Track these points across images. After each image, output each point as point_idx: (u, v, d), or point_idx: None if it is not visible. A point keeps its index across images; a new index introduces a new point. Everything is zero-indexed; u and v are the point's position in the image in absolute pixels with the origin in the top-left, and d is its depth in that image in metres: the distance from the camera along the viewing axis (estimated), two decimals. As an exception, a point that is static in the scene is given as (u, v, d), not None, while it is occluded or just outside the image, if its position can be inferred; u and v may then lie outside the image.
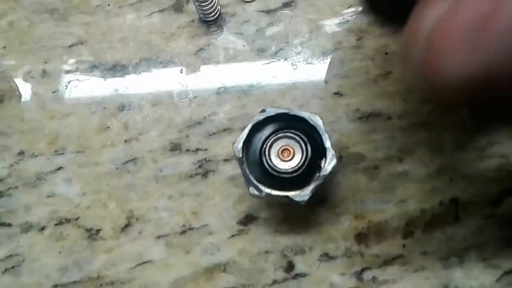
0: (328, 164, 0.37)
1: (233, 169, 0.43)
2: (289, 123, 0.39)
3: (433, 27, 0.22)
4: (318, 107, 0.44)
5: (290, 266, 0.42)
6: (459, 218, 0.42)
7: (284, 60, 0.45)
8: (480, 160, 0.43)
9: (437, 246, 0.41)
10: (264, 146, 0.38)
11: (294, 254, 0.42)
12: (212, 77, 0.45)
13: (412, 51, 0.24)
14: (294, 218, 0.42)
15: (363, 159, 0.43)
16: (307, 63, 0.45)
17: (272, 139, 0.38)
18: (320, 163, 0.38)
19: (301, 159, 0.38)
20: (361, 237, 0.42)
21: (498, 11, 0.20)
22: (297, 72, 0.45)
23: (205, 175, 0.44)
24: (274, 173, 0.38)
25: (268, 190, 0.38)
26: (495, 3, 0.20)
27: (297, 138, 0.38)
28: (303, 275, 0.42)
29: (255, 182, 0.38)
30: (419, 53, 0.23)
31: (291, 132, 0.38)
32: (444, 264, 0.41)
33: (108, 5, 0.47)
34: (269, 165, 0.38)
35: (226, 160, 0.44)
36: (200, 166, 0.44)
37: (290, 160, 0.38)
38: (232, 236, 0.42)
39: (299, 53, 0.45)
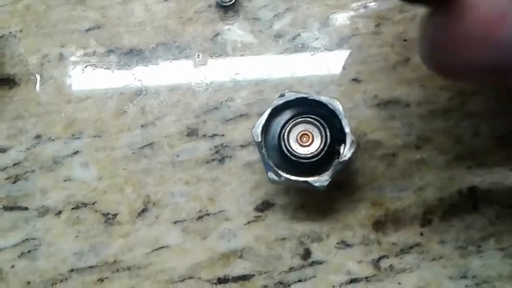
0: (348, 150, 0.37)
1: (250, 155, 0.43)
2: (308, 108, 0.39)
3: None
4: (336, 93, 0.44)
5: (307, 253, 0.42)
6: (477, 206, 0.42)
7: (301, 46, 0.45)
8: (498, 149, 0.42)
9: (455, 234, 0.41)
10: (283, 131, 0.38)
11: (311, 242, 0.42)
12: (229, 62, 0.45)
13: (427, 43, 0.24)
14: (311, 205, 0.42)
15: (381, 146, 0.43)
16: (324, 49, 0.45)
17: (291, 124, 0.38)
18: (339, 149, 0.38)
19: (320, 144, 0.38)
20: (378, 225, 0.42)
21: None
22: (315, 58, 0.45)
23: (221, 160, 0.43)
24: (293, 158, 0.38)
25: (287, 175, 0.37)
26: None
27: (316, 123, 0.38)
28: (320, 262, 0.41)
29: (274, 167, 0.37)
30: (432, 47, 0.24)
31: (310, 117, 0.38)
32: (462, 253, 0.41)
33: (125, -11, 0.47)
34: (288, 150, 0.38)
35: (243, 146, 0.44)
36: (216, 152, 0.44)
37: (309, 145, 0.38)
38: (249, 222, 0.42)
39: (316, 39, 0.45)
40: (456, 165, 0.42)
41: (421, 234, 0.41)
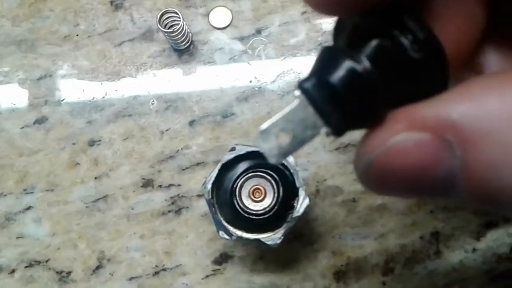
0: (300, 206, 0.36)
1: (207, 205, 0.42)
2: (261, 161, 0.37)
3: None
4: (294, 138, 0.43)
5: (266, 306, 0.41)
6: (440, 252, 0.40)
7: (258, 89, 0.44)
8: (462, 190, 0.41)
9: (418, 282, 0.40)
10: (235, 186, 0.37)
11: (271, 293, 0.41)
12: (185, 107, 0.44)
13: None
14: (270, 256, 0.41)
15: (341, 192, 0.42)
16: (281, 92, 0.44)
17: (243, 179, 0.37)
18: (293, 203, 0.37)
19: (273, 199, 0.36)
20: (339, 275, 0.41)
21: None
22: (273, 103, 0.44)
23: (178, 212, 0.42)
24: (245, 214, 0.36)
25: (239, 233, 0.36)
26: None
27: (269, 177, 0.37)
28: (280, 315, 0.40)
29: (225, 224, 0.36)
30: None
31: (263, 171, 0.37)
32: (426, 301, 0.40)
33: (77, 35, 0.46)
34: (239, 206, 0.36)
35: (199, 196, 0.42)
36: (173, 203, 0.42)
37: (262, 200, 0.37)
38: (207, 276, 0.41)
39: (273, 81, 0.44)
40: (417, 209, 0.41)
41: (384, 283, 0.40)
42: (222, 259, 0.41)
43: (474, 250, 0.40)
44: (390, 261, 0.40)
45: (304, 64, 0.44)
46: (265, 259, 0.41)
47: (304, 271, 0.41)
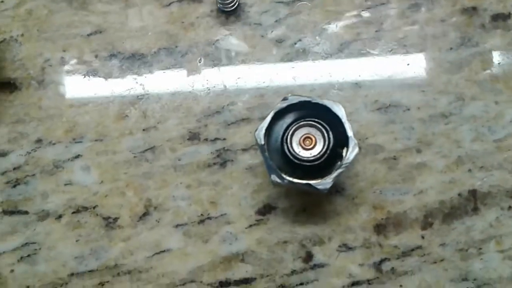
0: (351, 153, 0.37)
1: (251, 158, 0.43)
2: (311, 112, 0.39)
3: None
4: (337, 98, 0.44)
5: (308, 257, 0.42)
6: (477, 209, 0.42)
7: (302, 51, 0.45)
8: (498, 152, 0.43)
9: (456, 237, 0.41)
10: (286, 134, 0.38)
11: (312, 245, 0.42)
12: (231, 67, 0.45)
13: None
14: (313, 208, 0.42)
15: (381, 149, 0.43)
16: (325, 54, 0.45)
17: (294, 127, 0.38)
18: (342, 152, 0.38)
19: (323, 147, 0.38)
20: (380, 228, 0.42)
21: None
22: (315, 63, 0.45)
23: (223, 164, 0.43)
24: (295, 161, 0.38)
25: (290, 178, 0.38)
26: None
27: (319, 126, 0.38)
28: (321, 265, 0.41)
29: (277, 169, 0.38)
30: None
31: (313, 121, 0.38)
32: (463, 255, 0.41)
33: (127, -6, 0.47)
34: (290, 153, 0.38)
35: (244, 150, 0.44)
36: (218, 156, 0.44)
37: (312, 148, 0.38)
38: (250, 225, 0.42)
39: (317, 44, 0.46)
40: (456, 168, 0.42)
41: (422, 237, 0.42)
42: (266, 210, 0.43)
43: (509, 208, 0.42)
44: (429, 216, 0.42)
45: (348, 28, 0.46)
46: (308, 211, 0.42)
47: (345, 224, 0.42)
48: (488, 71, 0.44)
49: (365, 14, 0.46)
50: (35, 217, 0.43)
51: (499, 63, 0.44)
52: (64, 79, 0.46)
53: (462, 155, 0.43)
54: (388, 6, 0.46)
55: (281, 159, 0.39)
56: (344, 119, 0.38)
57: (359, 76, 0.45)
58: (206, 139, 0.44)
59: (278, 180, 0.37)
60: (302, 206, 0.42)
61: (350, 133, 0.37)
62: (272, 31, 0.46)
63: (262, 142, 0.38)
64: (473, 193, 0.42)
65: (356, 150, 0.37)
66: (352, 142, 0.37)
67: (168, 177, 0.43)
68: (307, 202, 0.42)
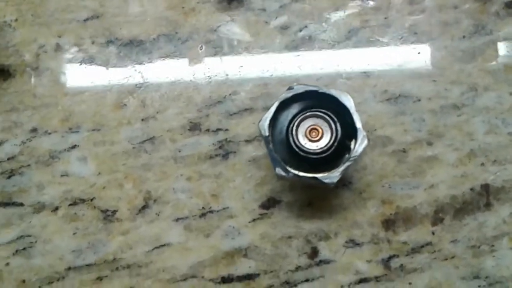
0: (359, 145, 0.36)
1: (255, 150, 0.42)
2: (317, 102, 0.37)
3: None
4: (344, 87, 0.42)
5: (314, 252, 0.40)
6: (490, 204, 0.40)
7: (308, 38, 0.43)
8: (512, 145, 0.41)
9: (467, 233, 0.40)
10: (291, 125, 0.36)
11: (318, 240, 0.40)
12: (233, 55, 0.43)
13: None
14: (319, 203, 0.41)
15: (391, 142, 0.41)
16: (332, 42, 0.43)
17: (300, 118, 0.36)
18: (350, 144, 0.36)
19: (330, 139, 0.36)
20: (388, 223, 0.40)
21: None
22: (322, 50, 0.43)
23: (225, 156, 0.42)
24: (301, 153, 0.36)
25: (295, 171, 0.36)
26: None
27: (326, 117, 0.36)
28: (327, 261, 0.40)
29: (281, 162, 0.36)
30: None
31: (320, 111, 0.36)
32: (475, 252, 0.40)
33: (125, -22, 0.45)
34: (296, 145, 0.36)
35: (247, 141, 0.42)
36: (220, 147, 0.42)
37: (319, 140, 0.36)
38: (254, 220, 0.41)
39: (324, 31, 0.44)
40: (468, 162, 0.41)
41: (433, 233, 0.40)
42: (270, 203, 0.41)
43: (524, 203, 0.40)
44: (440, 211, 0.40)
45: (356, 14, 0.44)
46: (313, 205, 0.41)
47: (352, 219, 0.40)
48: (502, 60, 0.42)
49: (374, 0, 0.44)
50: (31, 209, 0.42)
51: (514, 52, 0.42)
52: (60, 66, 0.44)
53: (475, 148, 0.41)
54: (399, -9, 0.44)
55: (286, 151, 0.37)
56: (352, 109, 0.36)
57: (368, 65, 0.43)
58: (207, 130, 0.42)
59: (283, 173, 0.36)
60: (307, 200, 0.41)
61: (358, 124, 0.36)
62: (276, 18, 0.44)
63: (267, 134, 0.36)
64: (485, 187, 0.40)
65: (365, 142, 0.36)
66: (361, 134, 0.36)
67: (168, 169, 0.42)
68: (313, 196, 0.41)
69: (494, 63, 0.42)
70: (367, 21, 0.44)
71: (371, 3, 0.44)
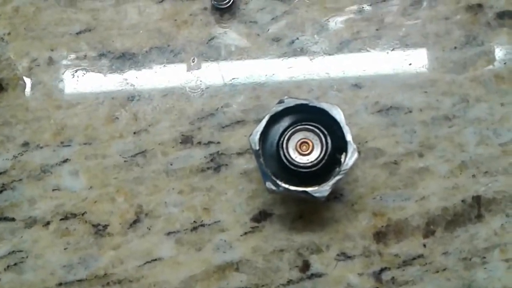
0: (349, 159, 0.36)
1: (246, 163, 0.42)
2: (308, 115, 0.37)
3: None
4: (336, 99, 0.42)
5: (305, 266, 0.40)
6: (481, 216, 0.40)
7: (300, 50, 0.44)
8: (503, 156, 0.41)
9: (459, 245, 0.40)
10: (282, 138, 0.36)
11: (310, 253, 0.40)
12: (225, 67, 0.44)
13: None
14: (310, 215, 0.41)
15: (382, 154, 0.41)
16: (324, 53, 0.43)
17: (290, 132, 0.36)
18: (340, 157, 0.36)
19: (321, 153, 0.36)
20: (380, 236, 0.40)
21: None
22: (314, 62, 0.43)
23: (217, 169, 0.42)
24: (292, 167, 0.36)
25: (285, 185, 0.36)
26: None
27: (317, 130, 0.36)
28: (319, 275, 0.40)
29: (272, 176, 0.36)
30: None
31: (310, 125, 0.36)
32: (466, 264, 0.40)
33: (117, -9, 0.45)
34: (286, 159, 0.36)
35: (239, 154, 0.42)
36: (212, 160, 0.42)
37: (309, 153, 0.36)
38: (245, 233, 0.41)
39: (315, 43, 0.44)
40: (460, 173, 0.41)
41: (424, 245, 0.40)
42: (261, 217, 0.41)
43: (516, 215, 0.40)
44: (431, 223, 0.40)
45: (348, 26, 0.44)
46: (305, 218, 0.41)
47: (344, 231, 0.40)
48: (494, 71, 0.42)
49: (365, 11, 0.44)
50: (22, 224, 0.42)
51: (505, 63, 0.42)
52: (52, 79, 0.44)
53: (466, 159, 0.41)
54: (389, 2, 0.44)
55: (276, 165, 0.37)
56: (342, 123, 0.36)
57: (359, 76, 0.43)
58: (199, 143, 0.42)
59: (273, 188, 0.36)
60: (299, 213, 0.41)
61: (349, 137, 0.36)
62: (268, 29, 0.44)
63: (257, 148, 0.36)
64: (477, 199, 0.40)
65: (356, 155, 0.36)
66: (351, 147, 0.36)
67: (159, 183, 0.42)
68: (304, 209, 0.41)
69: (485, 74, 0.42)
70: (358, 32, 0.44)
71: (364, 13, 0.44)
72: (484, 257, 0.40)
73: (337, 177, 0.35)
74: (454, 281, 0.39)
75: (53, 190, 0.42)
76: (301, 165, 0.36)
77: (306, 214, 0.41)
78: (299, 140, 0.37)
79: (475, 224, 0.40)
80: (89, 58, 0.44)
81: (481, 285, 0.39)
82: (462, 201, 0.40)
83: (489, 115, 0.42)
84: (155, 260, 0.41)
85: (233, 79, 0.43)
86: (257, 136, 0.36)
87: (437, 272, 0.39)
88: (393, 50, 0.43)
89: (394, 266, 0.40)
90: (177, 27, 0.45)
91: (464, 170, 0.41)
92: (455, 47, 0.43)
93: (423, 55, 0.43)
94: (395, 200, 0.41)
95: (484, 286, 0.39)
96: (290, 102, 0.37)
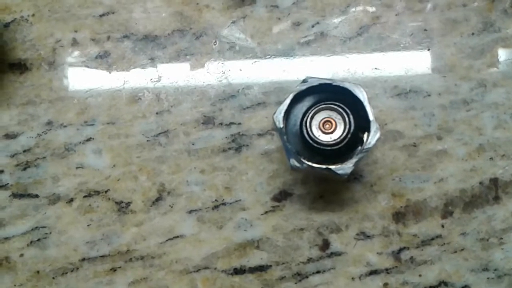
0: (372, 137, 0.36)
1: (267, 143, 0.42)
2: (330, 95, 0.38)
3: None
4: (356, 82, 0.43)
5: (325, 244, 0.41)
6: (499, 198, 0.41)
7: (320, 34, 0.44)
8: (520, 141, 0.42)
9: (476, 226, 0.40)
10: (305, 117, 0.37)
11: (329, 232, 0.41)
12: (246, 49, 0.44)
13: None
14: (330, 195, 0.41)
15: (401, 136, 0.42)
16: (344, 37, 0.44)
17: (314, 111, 0.37)
18: (362, 136, 0.37)
19: (344, 131, 0.37)
20: (399, 216, 0.41)
21: None
22: (334, 46, 0.44)
23: (238, 149, 0.42)
24: (315, 145, 0.37)
25: (309, 163, 0.36)
26: None
27: (340, 109, 0.37)
28: (338, 253, 0.41)
29: (296, 153, 0.37)
30: None
31: (334, 104, 0.37)
32: (484, 245, 0.40)
33: (140, -25, 0.46)
34: (310, 137, 0.37)
35: (260, 135, 0.43)
36: (233, 140, 0.43)
37: (332, 132, 0.37)
38: (266, 212, 0.41)
39: (336, 27, 0.44)
40: (477, 156, 0.41)
41: (442, 226, 0.41)
42: (282, 196, 0.42)
43: (532, 197, 0.41)
44: (449, 204, 0.41)
45: (368, 11, 0.44)
46: (325, 198, 0.41)
47: (363, 211, 0.41)
48: (511, 57, 0.43)
49: (386, -3, 0.45)
50: (46, 201, 0.42)
51: (522, 49, 0.43)
52: (75, 60, 0.45)
53: (484, 142, 0.42)
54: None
55: (299, 143, 0.37)
56: (365, 102, 0.37)
57: (378, 60, 0.43)
58: (220, 124, 0.43)
59: (297, 164, 0.36)
60: (319, 192, 0.41)
61: (371, 117, 0.36)
62: (289, 14, 0.45)
63: (281, 125, 0.37)
64: (494, 181, 0.41)
65: (378, 134, 0.36)
66: (374, 126, 0.36)
67: (181, 162, 0.42)
68: (324, 188, 0.41)
69: (502, 59, 0.43)
70: (378, 17, 0.44)
71: (382, 1, 0.44)
72: (501, 238, 0.40)
73: (360, 155, 0.36)
74: (472, 261, 0.40)
75: (77, 168, 0.43)
76: (324, 143, 0.37)
77: (326, 194, 0.41)
78: (322, 119, 0.37)
79: (492, 206, 0.41)
80: (112, 40, 0.45)
81: (498, 265, 0.40)
82: (480, 183, 0.41)
83: (506, 100, 0.42)
84: (177, 237, 0.41)
85: (254, 61, 0.44)
86: (281, 114, 0.37)
87: (455, 252, 0.40)
88: (411, 35, 0.44)
89: (412, 246, 0.40)
90: (198, 11, 0.45)
91: (482, 153, 0.41)
92: (473, 33, 0.44)
93: (441, 40, 0.44)
94: (414, 181, 0.41)
95: (501, 266, 0.40)
96: (313, 82, 0.37)
